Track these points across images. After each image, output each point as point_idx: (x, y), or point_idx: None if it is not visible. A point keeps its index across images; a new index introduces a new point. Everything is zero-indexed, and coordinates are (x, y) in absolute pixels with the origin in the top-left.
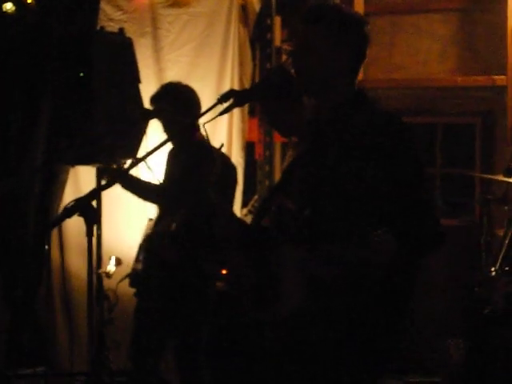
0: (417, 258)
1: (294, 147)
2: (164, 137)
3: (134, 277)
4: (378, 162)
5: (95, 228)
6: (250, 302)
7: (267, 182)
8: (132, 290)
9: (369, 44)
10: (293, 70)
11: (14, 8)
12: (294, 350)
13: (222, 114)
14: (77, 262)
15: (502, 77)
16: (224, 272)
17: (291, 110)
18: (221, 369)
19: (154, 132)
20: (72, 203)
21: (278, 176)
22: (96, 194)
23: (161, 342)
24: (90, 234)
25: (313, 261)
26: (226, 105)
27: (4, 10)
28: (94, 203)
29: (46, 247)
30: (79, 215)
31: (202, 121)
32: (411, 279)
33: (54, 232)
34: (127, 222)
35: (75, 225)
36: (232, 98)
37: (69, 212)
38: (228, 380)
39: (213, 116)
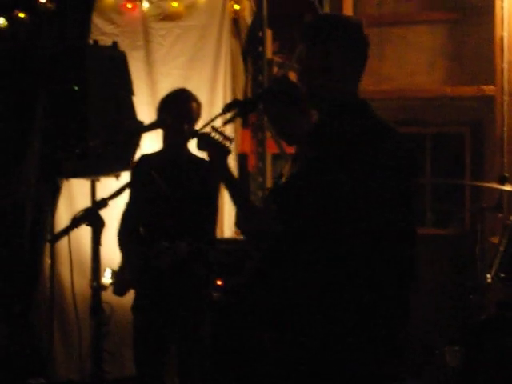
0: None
1: (296, 156)
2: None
3: (118, 285)
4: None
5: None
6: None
7: (260, 193)
8: (125, 301)
9: (369, 45)
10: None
11: (6, 23)
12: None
13: (227, 123)
14: (68, 275)
15: (491, 87)
16: (219, 283)
17: (295, 119)
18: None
19: (147, 144)
20: (81, 213)
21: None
22: (104, 203)
23: (162, 347)
24: (97, 242)
25: None
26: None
27: None
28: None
29: (49, 261)
30: (87, 224)
31: (205, 130)
32: (410, 285)
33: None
34: None
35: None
36: (236, 108)
37: (77, 221)
38: None
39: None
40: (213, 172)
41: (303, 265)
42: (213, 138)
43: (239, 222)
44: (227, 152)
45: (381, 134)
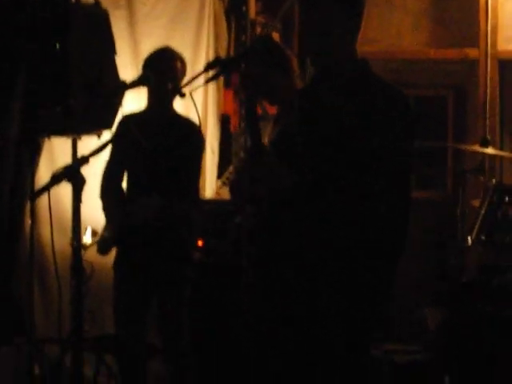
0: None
1: (278, 117)
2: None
3: (102, 243)
4: (370, 133)
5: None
6: None
7: (242, 154)
8: (106, 260)
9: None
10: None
11: None
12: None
13: (208, 81)
14: (48, 233)
15: (475, 50)
16: (200, 243)
17: (278, 79)
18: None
19: (129, 103)
20: (60, 170)
21: None
22: (85, 160)
23: (144, 305)
24: (77, 200)
25: None
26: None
27: None
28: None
29: (29, 221)
30: (68, 181)
31: (187, 89)
32: (397, 248)
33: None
34: None
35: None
36: (218, 66)
37: (57, 178)
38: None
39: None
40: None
41: (318, 220)
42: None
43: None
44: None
45: (389, 91)
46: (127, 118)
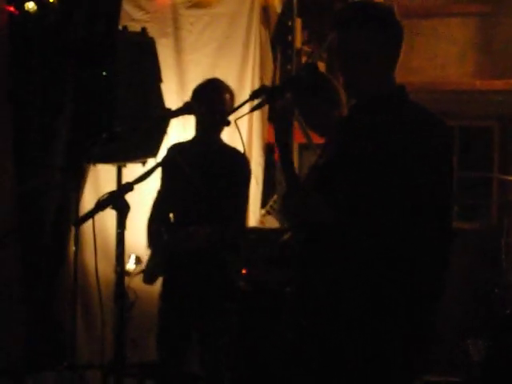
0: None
1: (323, 148)
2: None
3: (148, 272)
4: (407, 164)
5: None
6: None
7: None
8: (150, 289)
9: (403, 31)
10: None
11: (35, 7)
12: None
13: (253, 110)
14: (91, 259)
15: None
16: (244, 271)
17: (324, 109)
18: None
19: (174, 131)
20: (105, 197)
21: None
22: (129, 187)
23: (187, 335)
24: (122, 226)
25: None
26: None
27: (26, 8)
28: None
29: (73, 248)
30: (112, 208)
31: (232, 118)
32: (440, 279)
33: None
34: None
35: (92, 224)
36: (264, 95)
37: (102, 205)
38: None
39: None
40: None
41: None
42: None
43: (289, 206)
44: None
45: (426, 122)
46: (175, 147)
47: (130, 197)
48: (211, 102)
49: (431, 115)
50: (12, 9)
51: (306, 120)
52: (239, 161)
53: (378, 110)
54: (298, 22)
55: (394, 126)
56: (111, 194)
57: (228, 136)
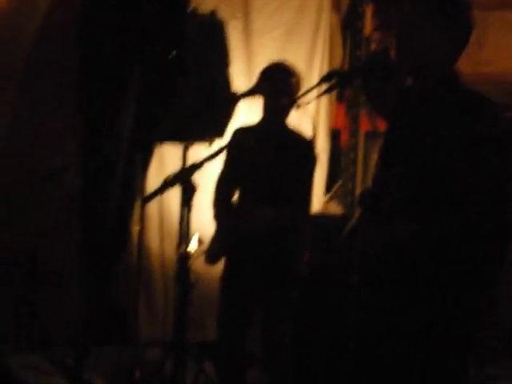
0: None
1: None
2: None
3: (210, 253)
4: (465, 149)
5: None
6: None
7: (351, 170)
8: (211, 270)
9: (473, 28)
10: (393, 53)
11: None
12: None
13: (324, 93)
14: (153, 239)
15: None
16: (307, 256)
17: (394, 94)
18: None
19: (242, 113)
20: (173, 176)
21: (361, 164)
22: (197, 167)
23: (248, 317)
24: (187, 206)
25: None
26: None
27: None
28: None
29: (138, 227)
30: (180, 187)
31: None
32: (495, 267)
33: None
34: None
35: (156, 204)
36: (334, 79)
37: (169, 184)
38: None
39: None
40: None
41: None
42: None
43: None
44: None
45: (481, 105)
46: (241, 130)
47: (195, 177)
48: (278, 85)
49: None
50: None
51: (375, 106)
52: (306, 145)
53: (449, 91)
54: (369, 9)
55: (451, 110)
56: (179, 172)
57: (294, 120)
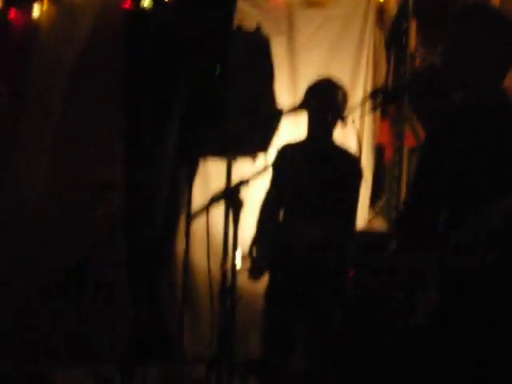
0: None
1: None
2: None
3: (254, 269)
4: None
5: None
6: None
7: (395, 186)
8: (254, 286)
9: None
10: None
11: (151, 4)
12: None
13: (373, 110)
14: (197, 254)
15: None
16: (351, 275)
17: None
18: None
19: (286, 131)
20: (220, 192)
21: (405, 180)
22: (244, 183)
23: (292, 334)
24: (235, 222)
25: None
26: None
27: (142, 5)
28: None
29: (182, 243)
30: (227, 203)
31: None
32: None
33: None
34: (251, 216)
35: (202, 220)
36: (379, 97)
37: (216, 200)
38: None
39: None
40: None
41: None
42: None
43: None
44: None
45: None
46: (287, 147)
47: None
48: (325, 100)
49: None
50: (127, 6)
51: (422, 122)
52: (352, 162)
53: (481, 112)
54: (413, 25)
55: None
56: (226, 189)
57: (339, 136)
